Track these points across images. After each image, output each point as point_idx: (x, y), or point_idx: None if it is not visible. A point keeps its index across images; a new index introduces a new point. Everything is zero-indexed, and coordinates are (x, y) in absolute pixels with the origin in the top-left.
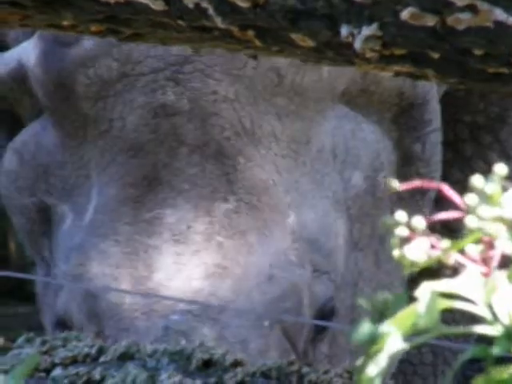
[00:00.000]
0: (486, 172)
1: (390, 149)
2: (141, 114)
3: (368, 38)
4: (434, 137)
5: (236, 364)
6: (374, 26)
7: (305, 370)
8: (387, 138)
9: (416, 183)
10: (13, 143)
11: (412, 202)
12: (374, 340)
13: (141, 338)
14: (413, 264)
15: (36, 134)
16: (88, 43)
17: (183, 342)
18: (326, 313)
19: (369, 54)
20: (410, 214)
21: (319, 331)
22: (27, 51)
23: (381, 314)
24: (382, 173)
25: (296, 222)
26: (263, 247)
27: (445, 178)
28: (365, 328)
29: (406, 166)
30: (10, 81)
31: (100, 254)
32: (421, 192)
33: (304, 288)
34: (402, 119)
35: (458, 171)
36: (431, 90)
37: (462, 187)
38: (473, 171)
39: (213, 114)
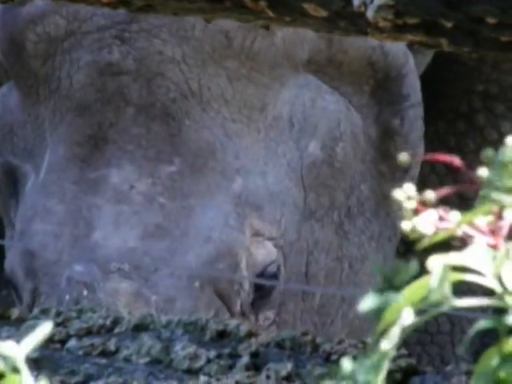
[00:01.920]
0: (499, 142)
1: (355, 121)
2: (87, 72)
3: (380, 7)
4: (413, 112)
5: (250, 335)
6: None
7: (319, 340)
8: (356, 110)
9: (425, 156)
10: None
11: (393, 177)
12: (381, 310)
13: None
14: (422, 236)
15: (3, 95)
16: (39, 2)
17: (85, 293)
18: (267, 277)
19: (381, 24)
20: (387, 193)
21: (261, 296)
22: None
23: (390, 283)
24: (342, 143)
25: (242, 187)
26: (204, 210)
27: (458, 148)
28: (373, 298)
29: (385, 141)
30: None
31: (45, 212)
32: (403, 169)
33: (241, 251)
34: (380, 93)
35: (471, 141)
36: (406, 64)
37: (476, 157)
38: (486, 141)
39: (158, 75)
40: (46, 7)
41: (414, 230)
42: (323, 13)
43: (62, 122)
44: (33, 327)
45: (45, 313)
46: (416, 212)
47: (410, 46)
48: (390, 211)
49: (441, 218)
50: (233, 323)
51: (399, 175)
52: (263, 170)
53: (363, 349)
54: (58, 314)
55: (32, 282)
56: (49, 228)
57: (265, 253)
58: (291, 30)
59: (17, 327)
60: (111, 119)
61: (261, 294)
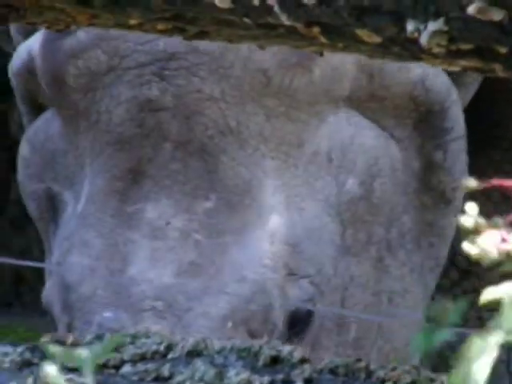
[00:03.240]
0: None
1: (395, 156)
2: (126, 107)
3: (434, 33)
4: (456, 145)
5: (303, 361)
6: (441, 20)
7: (372, 367)
8: (398, 142)
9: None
10: (27, 132)
11: (436, 208)
12: (432, 349)
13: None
14: (483, 256)
15: (45, 123)
16: (81, 34)
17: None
18: (301, 316)
19: (435, 50)
20: (434, 221)
21: (295, 333)
22: (35, 42)
23: (439, 322)
24: (380, 179)
25: (278, 225)
26: (239, 248)
27: None
28: (423, 337)
29: (428, 173)
30: (24, 72)
31: (82, 244)
32: (446, 200)
33: (274, 291)
34: (422, 126)
35: None
36: (449, 98)
37: None
38: None
39: (197, 112)
40: (88, 41)
41: (476, 250)
42: (376, 39)
43: (101, 154)
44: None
45: (99, 338)
46: (478, 234)
47: (464, 71)
48: (432, 241)
49: (503, 240)
50: (286, 349)
51: (442, 206)
52: (301, 206)
53: (416, 375)
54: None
55: (68, 316)
56: (86, 262)
57: (299, 292)
58: (330, 67)
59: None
60: (150, 154)
61: (295, 332)
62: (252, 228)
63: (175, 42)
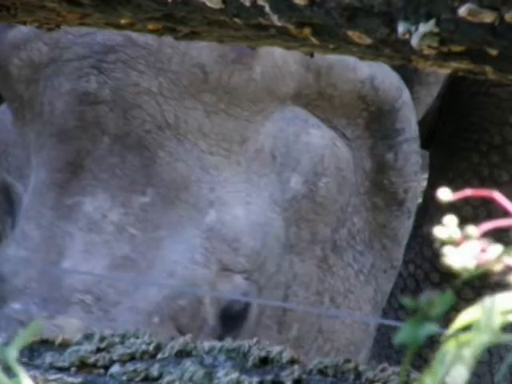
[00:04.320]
0: None
1: (342, 156)
2: (66, 100)
3: (425, 35)
4: (408, 146)
5: (293, 361)
6: (432, 22)
7: (361, 367)
8: (350, 142)
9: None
10: None
11: (388, 210)
12: (417, 342)
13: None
14: (463, 269)
15: (1, 114)
16: (24, 27)
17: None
18: (234, 311)
19: (426, 51)
20: (387, 222)
21: (228, 329)
22: None
23: (425, 315)
24: (325, 179)
25: (216, 221)
26: (172, 243)
27: (492, 179)
28: (409, 329)
29: (379, 174)
30: None
31: (21, 236)
32: (398, 202)
33: (204, 287)
34: (374, 126)
35: (505, 173)
36: (399, 99)
37: (510, 188)
38: None
39: (134, 106)
40: (30, 32)
41: (455, 262)
42: (367, 40)
43: (44, 146)
44: (76, 353)
45: (88, 338)
46: (457, 244)
47: (455, 74)
48: (385, 243)
49: (482, 251)
50: (276, 349)
51: (395, 208)
52: (246, 201)
53: (406, 376)
54: (102, 340)
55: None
56: (22, 254)
57: (232, 287)
58: (272, 65)
59: (60, 352)
60: (88, 147)
61: (229, 328)
62: (187, 223)
63: (113, 35)
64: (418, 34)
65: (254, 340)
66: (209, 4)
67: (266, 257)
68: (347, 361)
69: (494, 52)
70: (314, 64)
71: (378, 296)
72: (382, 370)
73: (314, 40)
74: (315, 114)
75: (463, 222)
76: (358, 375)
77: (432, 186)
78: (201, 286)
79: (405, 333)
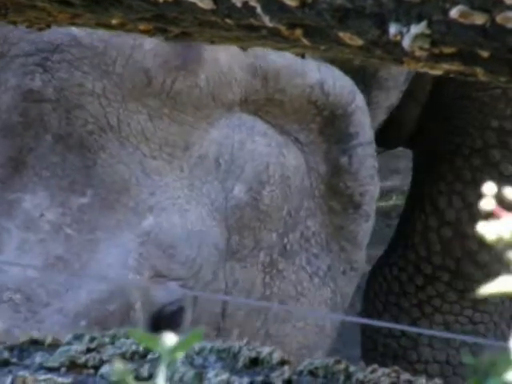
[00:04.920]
0: None
1: (289, 163)
2: (12, 95)
3: (417, 37)
4: (362, 150)
5: (283, 362)
6: (423, 24)
7: (352, 368)
8: (304, 146)
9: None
10: None
11: (345, 214)
12: None
13: None
14: (499, 240)
15: None
16: None
17: None
18: (166, 318)
19: (418, 53)
20: (344, 225)
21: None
22: None
23: (486, 374)
24: (269, 187)
25: (153, 226)
26: (108, 247)
27: (475, 183)
28: None
29: (334, 178)
30: None
31: None
32: (354, 205)
33: (135, 293)
34: (328, 131)
35: (487, 176)
36: (352, 103)
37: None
38: (502, 176)
39: (77, 107)
40: None
41: (492, 234)
42: (359, 41)
43: None
44: (67, 352)
45: (78, 338)
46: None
47: (446, 75)
48: (343, 245)
49: None
50: (266, 350)
51: (351, 211)
52: (184, 207)
53: (396, 378)
54: (92, 340)
55: None
56: None
57: (165, 294)
58: (217, 72)
59: (50, 352)
60: (31, 144)
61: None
62: (125, 227)
63: (60, 34)
64: (410, 35)
65: (245, 341)
66: (200, 5)
67: (202, 264)
68: (337, 362)
69: (485, 54)
70: (260, 70)
71: (336, 297)
72: (373, 372)
73: (305, 41)
74: (266, 119)
75: (444, 225)
76: (349, 376)
77: (415, 188)
78: (132, 291)
79: None
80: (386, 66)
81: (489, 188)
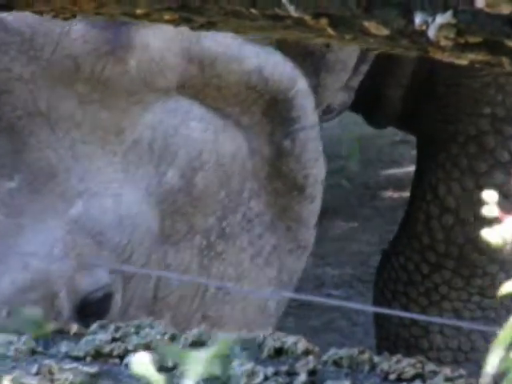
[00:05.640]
0: (511, 163)
1: (224, 150)
2: None
3: (442, 26)
4: (304, 134)
5: (307, 352)
6: (449, 13)
7: (376, 359)
8: (247, 129)
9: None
10: None
11: (289, 195)
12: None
13: None
14: (503, 243)
15: None
16: None
17: None
18: (94, 304)
19: (443, 42)
20: (288, 206)
21: (87, 323)
22: None
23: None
24: (202, 173)
25: (82, 213)
26: (34, 233)
27: (471, 170)
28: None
29: (278, 160)
30: None
31: None
32: (298, 187)
33: (60, 281)
34: (272, 113)
35: (483, 163)
36: (294, 87)
37: (488, 179)
38: (498, 162)
39: (6, 92)
40: None
41: (496, 238)
42: (384, 31)
43: None
44: (92, 342)
45: (103, 328)
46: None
47: (471, 65)
48: (290, 225)
49: None
50: (290, 340)
51: (295, 193)
52: (117, 192)
53: (421, 368)
54: (117, 329)
55: None
56: None
57: (91, 280)
58: (147, 59)
59: (76, 342)
60: None
61: (89, 321)
62: (51, 214)
63: None
64: (435, 25)
65: (269, 331)
66: None
67: (134, 249)
68: (362, 352)
69: (511, 43)
70: (196, 56)
71: (282, 276)
72: (397, 362)
73: (330, 31)
74: (206, 103)
75: (445, 212)
76: (373, 366)
77: (416, 177)
78: (56, 280)
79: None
80: (332, 49)
81: (489, 195)
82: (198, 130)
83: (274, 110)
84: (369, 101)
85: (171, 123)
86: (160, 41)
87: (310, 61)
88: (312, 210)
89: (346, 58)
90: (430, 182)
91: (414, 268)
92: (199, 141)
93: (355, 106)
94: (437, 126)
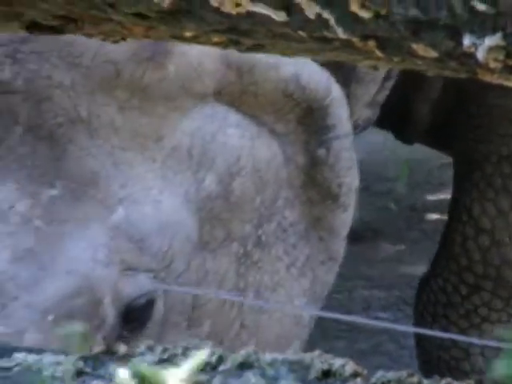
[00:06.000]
0: None
1: (261, 155)
2: None
3: (491, 48)
4: (339, 143)
5: (356, 375)
6: (498, 35)
7: (425, 382)
8: (272, 140)
9: None
10: None
11: (323, 204)
12: None
13: None
14: None
15: None
16: None
17: None
18: (137, 311)
19: (492, 65)
20: (322, 216)
21: (130, 329)
22: None
23: None
24: (240, 179)
25: (123, 219)
26: (77, 240)
27: (505, 189)
28: (506, 364)
29: (312, 169)
30: None
31: None
32: (332, 196)
33: (104, 287)
34: (307, 122)
35: None
36: (329, 96)
37: None
38: None
39: (46, 99)
40: None
41: None
42: (433, 53)
43: None
44: (140, 363)
45: (151, 349)
46: None
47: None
48: (322, 235)
49: None
50: (338, 362)
51: (329, 202)
52: (157, 199)
53: None
54: (164, 351)
55: None
56: None
57: (135, 287)
58: (186, 64)
59: (123, 362)
60: (0, 135)
61: (132, 327)
62: (94, 220)
63: None
64: (484, 47)
65: (317, 352)
66: (273, 17)
67: (174, 256)
68: (411, 375)
69: None
70: (235, 63)
71: (315, 287)
72: None
73: (378, 53)
74: (241, 110)
75: (481, 233)
76: None
77: (453, 197)
78: (101, 287)
79: (503, 365)
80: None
81: None
82: (235, 136)
83: (310, 119)
84: (396, 116)
85: (209, 129)
86: (198, 46)
87: (341, 71)
88: (344, 220)
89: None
90: (464, 202)
91: (453, 290)
92: (236, 147)
93: (381, 122)
94: (469, 146)
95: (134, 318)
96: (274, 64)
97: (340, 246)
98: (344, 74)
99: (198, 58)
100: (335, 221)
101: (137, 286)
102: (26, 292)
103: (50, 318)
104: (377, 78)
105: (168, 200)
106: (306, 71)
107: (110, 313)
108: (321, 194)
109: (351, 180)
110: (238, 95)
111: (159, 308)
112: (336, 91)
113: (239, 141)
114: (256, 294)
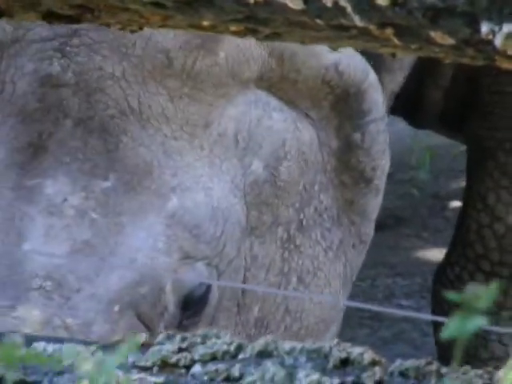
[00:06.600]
0: None
1: (304, 139)
2: (29, 81)
3: (509, 35)
4: (375, 126)
5: (374, 363)
6: None
7: (443, 370)
8: (315, 122)
9: None
10: None
11: (356, 188)
12: (464, 335)
13: None
14: None
15: None
16: None
17: None
18: (195, 299)
19: (510, 51)
20: (354, 199)
21: (188, 316)
22: None
23: (470, 308)
24: (286, 163)
25: (177, 207)
26: (134, 230)
27: None
28: (455, 324)
29: (346, 154)
30: None
31: None
32: (365, 180)
33: (166, 275)
34: (340, 107)
35: None
36: (365, 81)
37: None
38: None
39: (98, 90)
40: None
41: None
42: (450, 41)
43: (3, 125)
44: (159, 353)
45: (170, 338)
46: None
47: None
48: (354, 219)
49: None
50: (357, 351)
51: (362, 186)
52: (207, 186)
53: (488, 379)
54: (183, 340)
55: None
56: None
57: (194, 275)
58: (235, 50)
59: (143, 352)
60: (50, 129)
61: (190, 314)
62: (149, 210)
63: None
64: (502, 33)
65: (335, 341)
66: (290, 5)
67: (226, 242)
68: (429, 363)
69: None
70: (277, 49)
71: (347, 271)
72: (465, 373)
73: (396, 40)
74: (278, 95)
75: (496, 221)
76: (440, 377)
77: (467, 186)
78: (162, 275)
79: (452, 327)
80: None
81: None
82: (279, 120)
83: (343, 104)
84: (409, 102)
85: (254, 114)
86: None
87: (369, 59)
88: (375, 204)
89: (403, 57)
90: (479, 190)
91: (469, 277)
92: (281, 130)
93: (393, 109)
94: (482, 133)
95: (193, 304)
96: (315, 51)
97: (370, 230)
98: (371, 62)
99: (245, 43)
100: (367, 204)
101: (196, 273)
102: (88, 284)
103: (116, 308)
104: (404, 65)
105: (217, 186)
106: (346, 57)
107: (171, 301)
108: (354, 177)
109: (385, 163)
110: (278, 81)
111: (214, 293)
112: (372, 75)
113: (283, 124)
114: (298, 279)
